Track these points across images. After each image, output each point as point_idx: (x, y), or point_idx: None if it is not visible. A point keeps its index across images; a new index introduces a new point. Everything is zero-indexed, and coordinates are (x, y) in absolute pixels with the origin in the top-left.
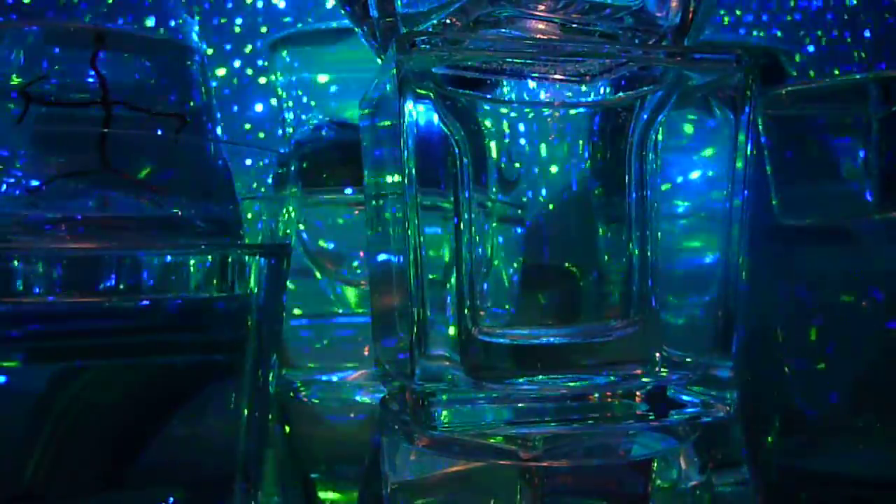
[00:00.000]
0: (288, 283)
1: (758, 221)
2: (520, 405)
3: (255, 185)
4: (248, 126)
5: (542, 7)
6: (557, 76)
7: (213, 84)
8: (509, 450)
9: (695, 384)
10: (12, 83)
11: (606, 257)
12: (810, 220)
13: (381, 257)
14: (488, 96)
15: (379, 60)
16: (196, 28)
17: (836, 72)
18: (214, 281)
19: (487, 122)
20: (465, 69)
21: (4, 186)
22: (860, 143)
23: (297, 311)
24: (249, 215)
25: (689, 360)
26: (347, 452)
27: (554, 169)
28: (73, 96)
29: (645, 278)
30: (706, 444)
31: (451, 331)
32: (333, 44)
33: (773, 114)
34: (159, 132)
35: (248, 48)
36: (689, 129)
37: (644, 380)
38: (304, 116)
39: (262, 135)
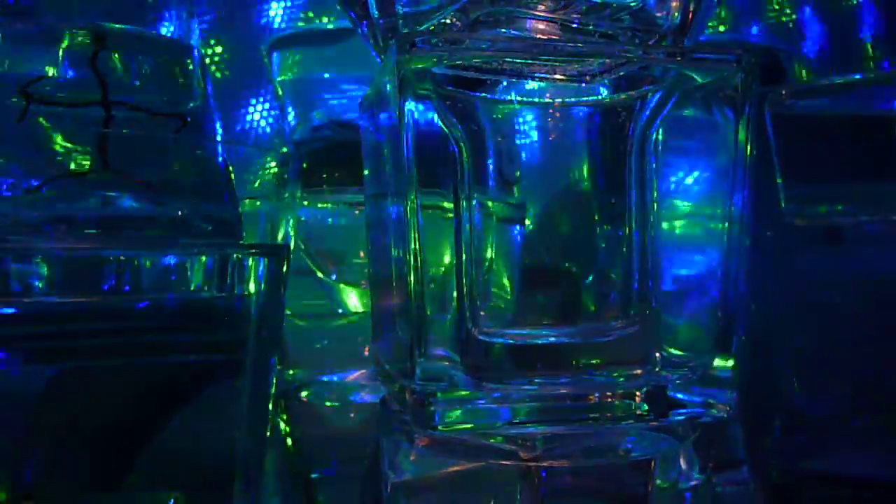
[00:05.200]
0: (288, 283)
1: (765, 221)
2: (520, 405)
3: (254, 185)
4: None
5: (542, 7)
6: (557, 76)
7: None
8: (509, 450)
9: (695, 384)
10: (12, 83)
11: (606, 257)
12: (819, 221)
13: (381, 257)
14: (488, 96)
15: (379, 60)
16: (196, 28)
17: None
18: (214, 281)
19: (487, 122)
20: (465, 69)
21: (4, 186)
22: (871, 143)
23: (296, 311)
24: (249, 215)
25: (689, 360)
26: (347, 452)
27: (554, 169)
28: (73, 96)
29: (645, 278)
30: (706, 444)
31: (451, 331)
32: (333, 44)
33: (781, 113)
34: (159, 132)
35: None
36: (689, 128)
37: (644, 380)
38: (304, 116)
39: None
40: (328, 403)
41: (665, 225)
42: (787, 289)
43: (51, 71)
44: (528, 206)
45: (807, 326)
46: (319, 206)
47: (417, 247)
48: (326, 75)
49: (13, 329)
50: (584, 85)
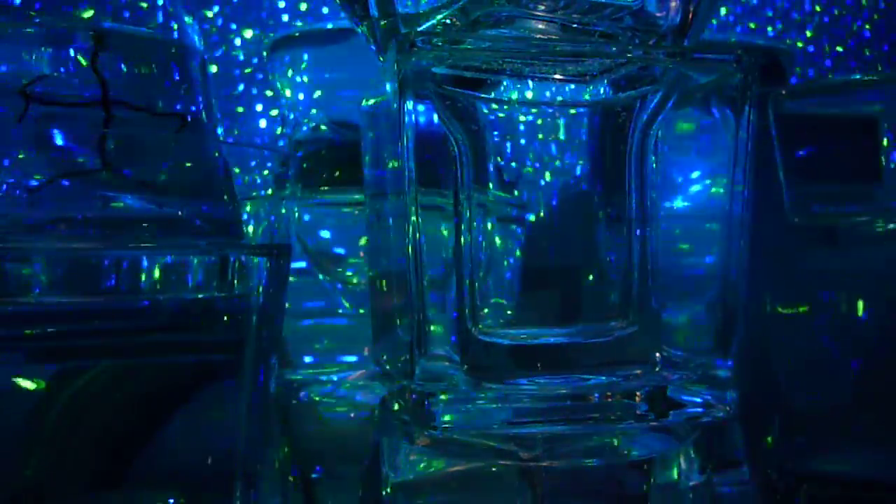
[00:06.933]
0: (288, 282)
1: (765, 221)
2: (520, 405)
3: (255, 185)
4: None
5: (542, 7)
6: (557, 76)
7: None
8: (509, 450)
9: (695, 384)
10: (12, 83)
11: (606, 257)
12: (822, 220)
13: (381, 257)
14: (488, 96)
15: (379, 60)
16: (196, 28)
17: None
18: (214, 281)
19: (487, 122)
20: (465, 69)
21: (4, 186)
22: (874, 143)
23: (296, 311)
24: (249, 215)
25: (689, 360)
26: (347, 452)
27: (554, 169)
28: (73, 96)
29: (645, 278)
30: (706, 444)
31: (451, 331)
32: (333, 44)
33: (785, 112)
34: (159, 132)
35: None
36: (689, 128)
37: (644, 380)
38: (304, 116)
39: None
40: (328, 403)
41: (665, 225)
42: (787, 289)
43: (51, 71)
44: (528, 206)
45: (807, 327)
46: (319, 206)
47: (417, 247)
48: (327, 75)
49: (13, 329)
50: (584, 85)
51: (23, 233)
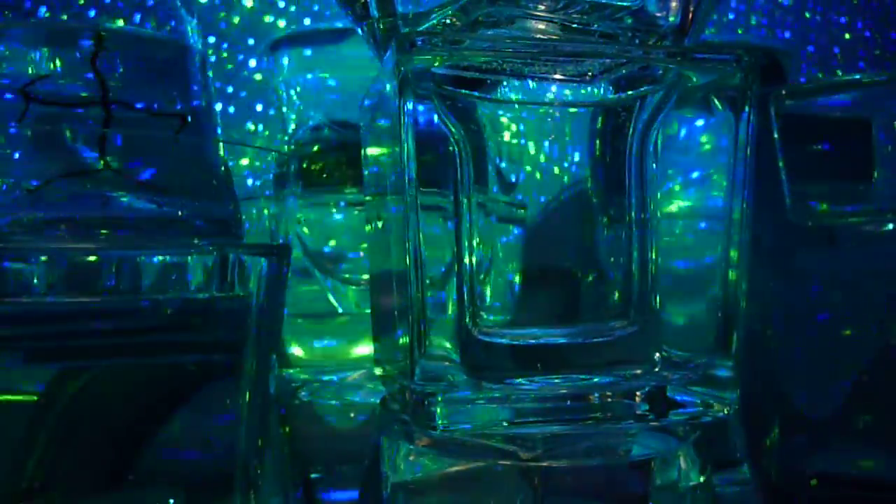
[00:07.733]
0: (288, 282)
1: (765, 221)
2: (520, 405)
3: (255, 185)
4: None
5: (542, 7)
6: (557, 76)
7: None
8: (509, 450)
9: (695, 384)
10: (12, 83)
11: (606, 257)
12: (824, 220)
13: (381, 257)
14: (488, 96)
15: (379, 60)
16: (196, 28)
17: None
18: (214, 281)
19: (487, 122)
20: (465, 69)
21: (4, 186)
22: (875, 143)
23: (296, 311)
24: (249, 215)
25: (689, 360)
26: (347, 452)
27: (554, 169)
28: (73, 96)
29: (645, 278)
30: (706, 444)
31: (451, 331)
32: (334, 44)
33: (787, 112)
34: (159, 132)
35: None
36: (689, 129)
37: (644, 380)
38: (304, 116)
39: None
40: (328, 403)
41: (665, 225)
42: (787, 289)
43: (51, 71)
44: (528, 206)
45: (807, 326)
46: (319, 206)
47: (417, 247)
48: (327, 75)
49: (13, 329)
50: (584, 85)
51: (23, 233)
